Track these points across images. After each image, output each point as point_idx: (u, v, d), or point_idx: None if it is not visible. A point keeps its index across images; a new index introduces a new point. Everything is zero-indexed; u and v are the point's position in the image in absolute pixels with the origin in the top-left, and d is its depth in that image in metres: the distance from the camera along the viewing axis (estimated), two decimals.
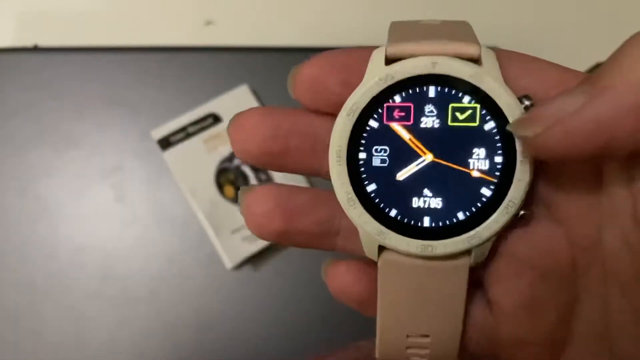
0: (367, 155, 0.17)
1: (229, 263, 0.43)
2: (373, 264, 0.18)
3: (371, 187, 0.17)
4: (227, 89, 0.45)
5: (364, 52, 0.17)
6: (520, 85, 0.17)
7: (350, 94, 0.17)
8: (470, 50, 0.17)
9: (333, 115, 0.18)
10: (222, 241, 0.43)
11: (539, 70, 0.17)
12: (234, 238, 0.43)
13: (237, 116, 0.18)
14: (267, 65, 0.46)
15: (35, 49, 0.47)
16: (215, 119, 0.45)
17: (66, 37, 0.48)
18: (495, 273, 0.18)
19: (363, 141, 0.17)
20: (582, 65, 0.43)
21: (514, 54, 0.17)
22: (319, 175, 0.18)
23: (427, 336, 0.19)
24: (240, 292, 0.44)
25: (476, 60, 0.17)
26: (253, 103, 0.45)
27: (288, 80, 0.18)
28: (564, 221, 0.17)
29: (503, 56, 0.17)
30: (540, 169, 0.17)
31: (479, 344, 0.19)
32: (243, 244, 0.43)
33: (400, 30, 0.18)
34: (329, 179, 0.18)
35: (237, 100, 0.45)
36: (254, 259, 0.43)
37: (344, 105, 0.17)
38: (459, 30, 0.18)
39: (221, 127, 0.45)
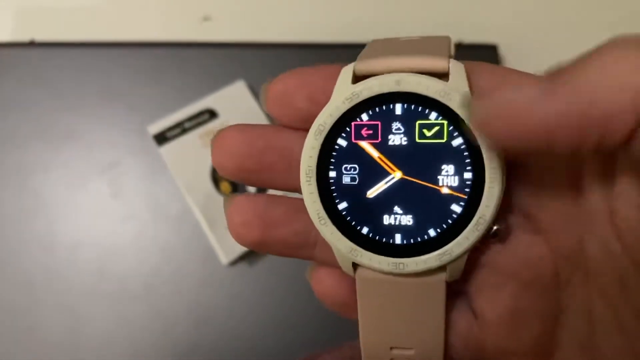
0: (336, 174, 0.18)
1: (224, 259, 0.43)
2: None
3: (342, 205, 0.18)
4: (223, 84, 0.45)
5: (333, 69, 0.18)
6: None
7: (315, 109, 0.17)
8: (437, 64, 0.17)
9: (307, 130, 0.18)
10: (218, 237, 0.43)
11: (508, 81, 0.17)
12: (229, 234, 0.43)
13: (218, 133, 0.18)
14: (264, 61, 0.46)
15: (32, 44, 0.47)
16: (212, 114, 0.45)
17: (63, 32, 0.48)
18: (478, 284, 0.18)
19: (332, 160, 0.17)
20: None
21: (484, 65, 0.17)
22: (297, 191, 0.18)
23: (410, 349, 0.19)
24: (235, 287, 0.44)
25: (445, 75, 0.17)
26: (249, 99, 0.45)
27: (260, 94, 0.18)
28: (544, 231, 0.17)
29: (473, 69, 0.17)
30: (518, 180, 0.17)
31: (465, 352, 0.19)
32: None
33: (374, 48, 0.18)
34: None
35: (233, 96, 0.45)
36: (250, 255, 0.43)
37: (312, 125, 0.17)
38: (433, 45, 0.18)
39: (217, 123, 0.44)
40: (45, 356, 0.43)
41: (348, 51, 0.45)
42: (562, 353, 0.18)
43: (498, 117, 0.14)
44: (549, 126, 0.13)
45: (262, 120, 0.45)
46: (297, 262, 0.43)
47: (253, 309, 0.43)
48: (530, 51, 0.48)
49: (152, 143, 0.44)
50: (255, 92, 0.45)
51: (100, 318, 0.43)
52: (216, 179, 0.44)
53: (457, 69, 0.17)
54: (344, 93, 0.17)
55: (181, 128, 0.44)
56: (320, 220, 0.18)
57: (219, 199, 0.43)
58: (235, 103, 0.45)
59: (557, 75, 0.14)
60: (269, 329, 0.43)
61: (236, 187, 0.44)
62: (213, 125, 0.44)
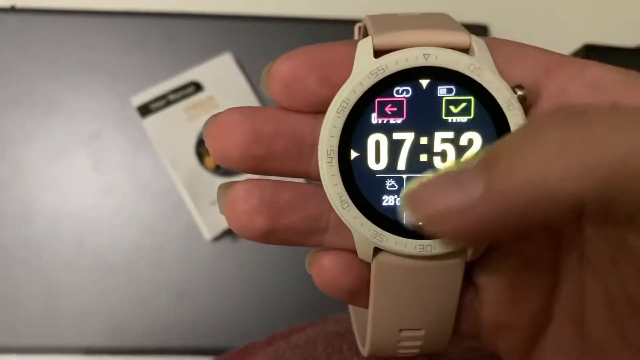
0: (359, 154, 0.17)
1: (208, 234, 0.42)
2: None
3: (365, 187, 0.17)
4: (209, 56, 0.44)
5: (344, 46, 0.16)
6: (507, 72, 0.16)
7: (328, 92, 0.16)
8: (462, 39, 0.16)
9: (317, 113, 0.17)
10: (202, 212, 0.42)
11: (525, 56, 0.16)
12: (213, 209, 0.42)
13: (214, 118, 0.16)
14: (251, 34, 0.45)
15: (13, 10, 0.45)
16: (197, 87, 0.44)
17: None
18: (481, 259, 0.18)
19: (354, 139, 0.16)
20: (571, 45, 0.43)
21: (498, 40, 0.17)
22: (307, 177, 0.17)
23: (420, 329, 0.18)
24: (218, 263, 0.43)
25: (466, 50, 0.16)
26: (236, 72, 0.44)
27: (262, 77, 0.17)
28: None
29: (489, 44, 0.16)
30: None
31: (465, 326, 0.19)
32: (223, 216, 0.42)
33: (382, 22, 0.17)
34: (318, 180, 0.17)
35: (219, 68, 0.44)
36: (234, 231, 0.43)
37: (333, 102, 0.16)
38: (444, 21, 0.17)
39: (203, 96, 0.44)
40: (23, 327, 0.42)
41: (338, 27, 0.45)
42: (554, 328, 0.18)
43: (442, 223, 0.14)
44: (489, 227, 0.13)
45: (249, 93, 0.44)
46: None
47: (235, 285, 0.43)
48: (520, 32, 0.47)
49: (135, 115, 0.43)
50: (242, 66, 0.45)
51: (79, 290, 0.43)
52: (200, 153, 0.43)
53: (479, 44, 0.16)
54: (367, 68, 0.16)
55: (165, 100, 0.43)
56: (342, 204, 0.16)
57: (204, 174, 0.43)
58: (221, 76, 0.44)
59: (494, 164, 0.13)
60: (250, 305, 0.43)
61: None
62: (198, 99, 0.44)
